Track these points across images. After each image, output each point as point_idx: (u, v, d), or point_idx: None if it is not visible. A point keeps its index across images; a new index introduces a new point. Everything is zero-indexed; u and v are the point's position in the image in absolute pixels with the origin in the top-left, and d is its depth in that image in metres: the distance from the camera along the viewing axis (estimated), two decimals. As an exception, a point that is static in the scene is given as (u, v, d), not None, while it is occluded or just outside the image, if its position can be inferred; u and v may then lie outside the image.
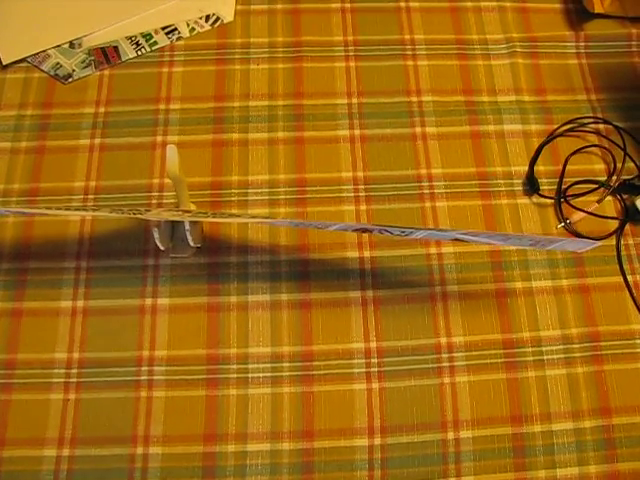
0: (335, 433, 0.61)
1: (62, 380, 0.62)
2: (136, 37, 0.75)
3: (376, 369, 0.63)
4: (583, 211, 0.68)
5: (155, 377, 0.62)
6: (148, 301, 0.65)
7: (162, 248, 0.61)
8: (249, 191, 0.69)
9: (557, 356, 0.64)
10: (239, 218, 0.58)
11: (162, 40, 0.75)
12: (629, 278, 0.67)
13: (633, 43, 0.78)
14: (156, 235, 0.59)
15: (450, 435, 0.61)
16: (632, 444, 0.62)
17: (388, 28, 0.78)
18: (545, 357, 0.64)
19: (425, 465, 0.60)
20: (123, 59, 0.74)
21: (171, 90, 0.73)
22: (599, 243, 0.54)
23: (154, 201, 0.68)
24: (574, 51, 0.78)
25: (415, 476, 0.60)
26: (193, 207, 0.65)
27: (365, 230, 0.57)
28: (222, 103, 0.73)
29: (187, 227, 0.59)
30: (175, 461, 0.60)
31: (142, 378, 0.62)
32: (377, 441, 0.61)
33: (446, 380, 0.63)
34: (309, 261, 0.67)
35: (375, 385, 0.62)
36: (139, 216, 0.58)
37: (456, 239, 0.57)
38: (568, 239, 0.55)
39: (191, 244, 0.62)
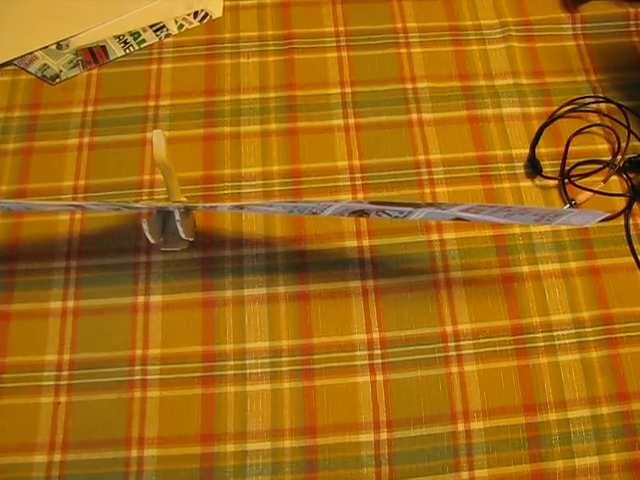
0: (339, 429, 0.58)
1: (52, 383, 0.59)
2: (124, 36, 0.74)
3: (380, 360, 0.60)
4: (589, 190, 0.65)
5: (149, 377, 0.59)
6: (140, 299, 0.62)
7: (152, 241, 0.59)
8: (242, 184, 0.67)
9: (569, 341, 0.61)
10: (229, 203, 0.56)
11: (150, 38, 0.74)
12: (640, 258, 0.64)
13: (631, 22, 0.77)
14: (145, 227, 0.57)
15: (460, 427, 0.58)
16: (653, 430, 0.58)
17: (379, 17, 0.77)
18: (557, 342, 0.61)
19: (435, 459, 0.57)
20: (111, 58, 0.73)
21: (160, 87, 0.72)
22: (607, 214, 0.52)
23: (145, 197, 0.66)
24: (571, 33, 0.76)
25: (425, 471, 0.57)
26: (184, 199, 0.63)
27: (362, 213, 0.55)
28: (213, 97, 0.71)
29: (177, 217, 0.57)
30: (172, 463, 0.57)
31: (135, 378, 0.59)
32: (384, 436, 0.58)
33: (454, 370, 0.60)
34: (306, 252, 0.64)
35: (379, 377, 0.60)
36: (128, 207, 0.56)
37: (457, 218, 0.55)
38: (575, 211, 0.52)
39: (183, 236, 0.60)
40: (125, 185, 0.67)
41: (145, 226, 0.57)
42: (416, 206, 0.52)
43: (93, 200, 0.66)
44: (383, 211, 0.53)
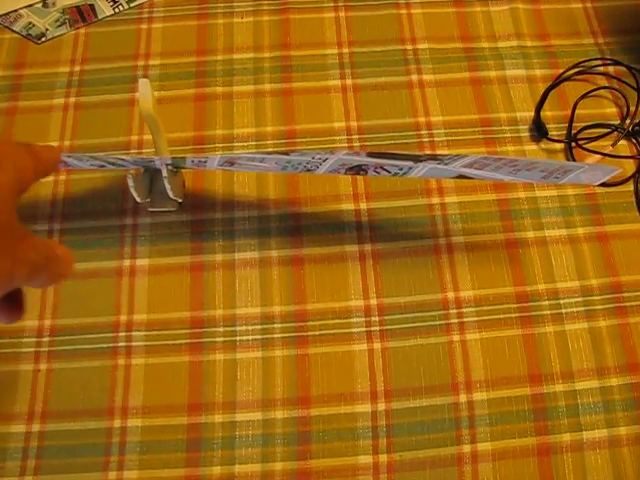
0: (334, 399, 0.55)
1: (32, 349, 0.56)
2: (113, -6, 0.71)
3: (377, 328, 0.57)
4: (597, 153, 0.63)
5: (134, 343, 0.56)
6: (126, 262, 0.59)
7: (138, 200, 0.56)
8: (235, 145, 0.64)
9: (577, 309, 0.58)
10: (219, 156, 0.53)
11: (141, -3, 0.71)
12: (650, 224, 0.61)
13: (640, -16, 0.74)
14: (131, 183, 0.54)
15: (462, 398, 0.55)
16: (665, 401, 0.55)
17: (379, -22, 0.74)
18: (564, 310, 0.58)
19: (436, 431, 0.54)
20: (100, 17, 0.70)
21: (150, 46, 0.69)
22: (619, 169, 0.49)
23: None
24: (577, -6, 0.74)
25: (425, 443, 0.53)
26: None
27: (359, 169, 0.52)
28: (204, 57, 0.68)
29: (165, 174, 0.54)
30: (156, 434, 0.54)
31: (119, 345, 0.56)
32: (381, 406, 0.55)
33: (455, 338, 0.57)
34: (300, 215, 0.61)
35: (377, 345, 0.56)
36: (112, 161, 0.53)
37: (460, 175, 0.52)
38: (585, 166, 0.49)
39: (171, 195, 0.56)
40: (112, 146, 0.64)
41: (131, 182, 0.54)
42: (417, 160, 0.49)
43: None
44: (382, 167, 0.50)
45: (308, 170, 0.52)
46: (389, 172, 0.51)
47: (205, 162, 0.54)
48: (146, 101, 0.52)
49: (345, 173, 0.53)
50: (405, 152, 0.49)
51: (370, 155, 0.49)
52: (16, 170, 0.34)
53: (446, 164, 0.50)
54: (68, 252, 0.37)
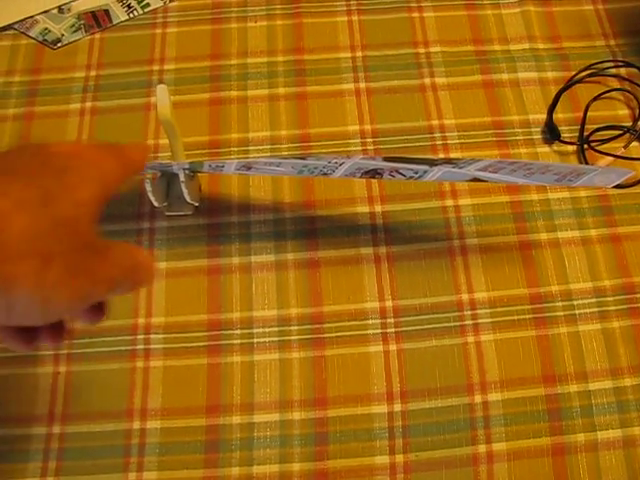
0: (351, 400, 0.55)
1: (51, 352, 0.57)
2: (128, 0, 0.71)
3: (393, 329, 0.58)
4: (610, 155, 0.63)
5: (152, 346, 0.57)
6: (144, 266, 0.60)
7: (156, 204, 0.57)
8: (250, 148, 0.64)
9: (590, 310, 0.59)
10: (236, 161, 0.53)
11: (155, 2, 0.72)
12: (663, 226, 0.62)
13: (651, -14, 0.74)
14: (148, 188, 0.55)
15: (477, 398, 0.56)
16: (679, 401, 0.56)
17: (391, -19, 0.74)
18: (577, 311, 0.58)
19: (451, 432, 0.54)
20: (114, 22, 0.71)
21: (165, 51, 0.69)
22: (632, 172, 0.49)
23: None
24: (589, -4, 0.74)
25: (441, 444, 0.54)
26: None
27: (375, 173, 0.52)
28: (219, 61, 0.69)
29: (182, 178, 0.55)
30: (175, 435, 0.54)
31: (138, 347, 0.57)
32: (397, 407, 0.55)
33: (470, 339, 0.57)
34: (316, 218, 0.62)
35: (393, 347, 0.57)
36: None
37: (475, 178, 0.52)
38: (598, 169, 0.50)
39: (188, 200, 0.57)
40: (128, 151, 0.64)
41: (148, 187, 0.55)
42: (431, 164, 0.49)
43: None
44: (397, 170, 0.51)
45: (324, 174, 0.53)
46: (404, 176, 0.52)
47: (222, 167, 0.55)
48: (164, 107, 0.53)
49: (361, 177, 0.53)
50: (420, 156, 0.50)
51: (386, 159, 0.50)
52: (101, 180, 0.33)
53: (461, 168, 0.50)
54: (150, 258, 0.36)
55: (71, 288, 0.29)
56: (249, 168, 0.55)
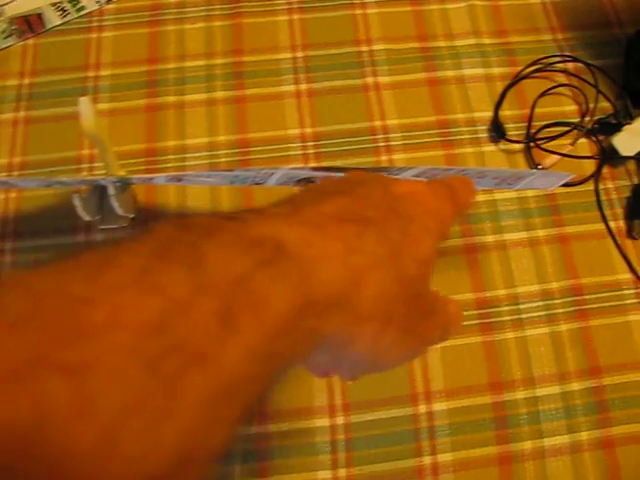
0: (294, 413, 0.54)
1: None
2: (62, 3, 0.69)
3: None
4: (556, 153, 0.61)
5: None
6: (79, 281, 0.58)
7: (86, 219, 0.55)
8: (187, 156, 0.62)
9: (537, 314, 0.57)
10: (165, 175, 0.52)
11: (90, 5, 0.69)
12: (611, 225, 0.60)
13: (599, -23, 0.72)
14: (77, 203, 0.53)
15: (422, 409, 0.54)
16: (626, 405, 0.55)
17: (333, -21, 0.72)
18: (524, 315, 0.57)
19: (395, 444, 0.53)
20: (48, 27, 0.68)
21: (100, 56, 0.67)
22: (572, 175, 0.48)
23: (84, 173, 0.62)
24: (536, -11, 0.72)
25: (385, 456, 0.53)
26: (123, 173, 0.59)
27: (308, 181, 0.51)
28: (156, 66, 0.67)
29: (111, 192, 0.53)
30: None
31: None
32: (340, 420, 0.54)
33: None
34: (256, 227, 0.60)
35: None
36: (59, 182, 0.52)
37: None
38: (537, 172, 0.48)
39: (120, 213, 0.55)
40: (63, 161, 0.62)
41: (77, 202, 0.53)
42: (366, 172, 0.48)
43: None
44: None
45: (257, 183, 0.51)
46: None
47: (151, 179, 0.53)
48: (88, 120, 0.51)
49: (294, 185, 0.52)
50: (354, 167, 0.48)
51: (315, 169, 0.48)
52: (439, 231, 0.30)
53: (395, 175, 0.49)
54: (459, 310, 0.34)
55: (398, 352, 0.29)
56: (180, 180, 0.53)
